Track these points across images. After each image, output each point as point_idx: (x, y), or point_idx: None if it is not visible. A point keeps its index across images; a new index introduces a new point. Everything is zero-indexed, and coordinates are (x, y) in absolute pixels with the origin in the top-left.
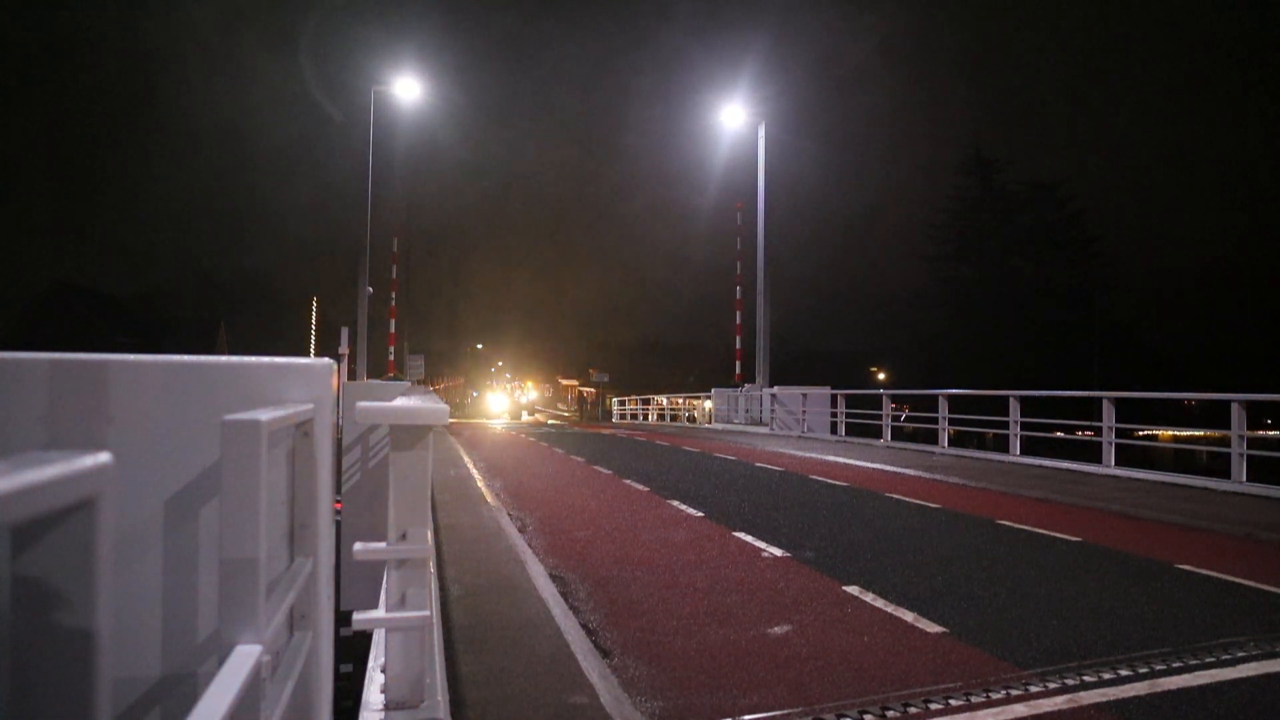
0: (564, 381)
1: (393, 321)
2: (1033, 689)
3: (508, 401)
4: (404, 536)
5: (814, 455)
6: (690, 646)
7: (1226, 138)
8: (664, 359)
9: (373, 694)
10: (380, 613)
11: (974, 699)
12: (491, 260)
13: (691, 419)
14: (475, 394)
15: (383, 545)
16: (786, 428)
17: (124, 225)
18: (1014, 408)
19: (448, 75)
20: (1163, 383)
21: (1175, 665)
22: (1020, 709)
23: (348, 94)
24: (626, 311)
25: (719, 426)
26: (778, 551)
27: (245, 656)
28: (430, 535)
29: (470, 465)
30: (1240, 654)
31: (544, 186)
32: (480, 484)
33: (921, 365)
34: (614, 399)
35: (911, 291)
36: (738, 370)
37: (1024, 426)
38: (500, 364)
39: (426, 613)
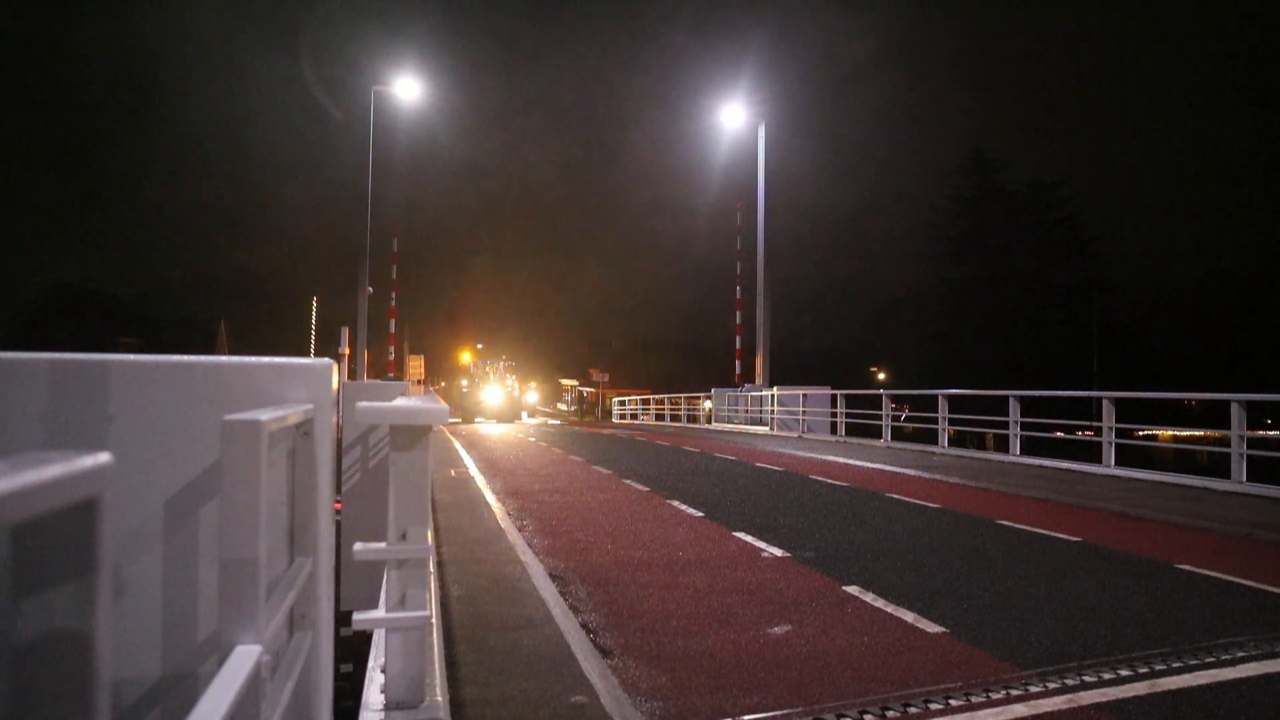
0: (564, 381)
1: (393, 321)
2: (1033, 689)
3: (502, 395)
4: (404, 536)
5: (814, 455)
6: (690, 646)
7: (1228, 136)
8: (664, 359)
9: (373, 694)
10: (380, 613)
11: (974, 699)
12: (492, 260)
13: (692, 419)
14: (465, 387)
15: (383, 545)
16: (786, 428)
17: (124, 225)
18: (1014, 408)
19: (448, 75)
20: (1163, 383)
21: (1175, 665)
22: (1020, 709)
23: (348, 94)
24: (626, 311)
25: (719, 426)
26: (778, 551)
27: (245, 656)
28: (430, 535)
29: (470, 465)
30: (1240, 654)
31: (544, 186)
32: (480, 484)
33: (921, 365)
34: (614, 399)
35: (911, 291)
36: (738, 370)
37: (1024, 426)
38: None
39: (426, 613)
